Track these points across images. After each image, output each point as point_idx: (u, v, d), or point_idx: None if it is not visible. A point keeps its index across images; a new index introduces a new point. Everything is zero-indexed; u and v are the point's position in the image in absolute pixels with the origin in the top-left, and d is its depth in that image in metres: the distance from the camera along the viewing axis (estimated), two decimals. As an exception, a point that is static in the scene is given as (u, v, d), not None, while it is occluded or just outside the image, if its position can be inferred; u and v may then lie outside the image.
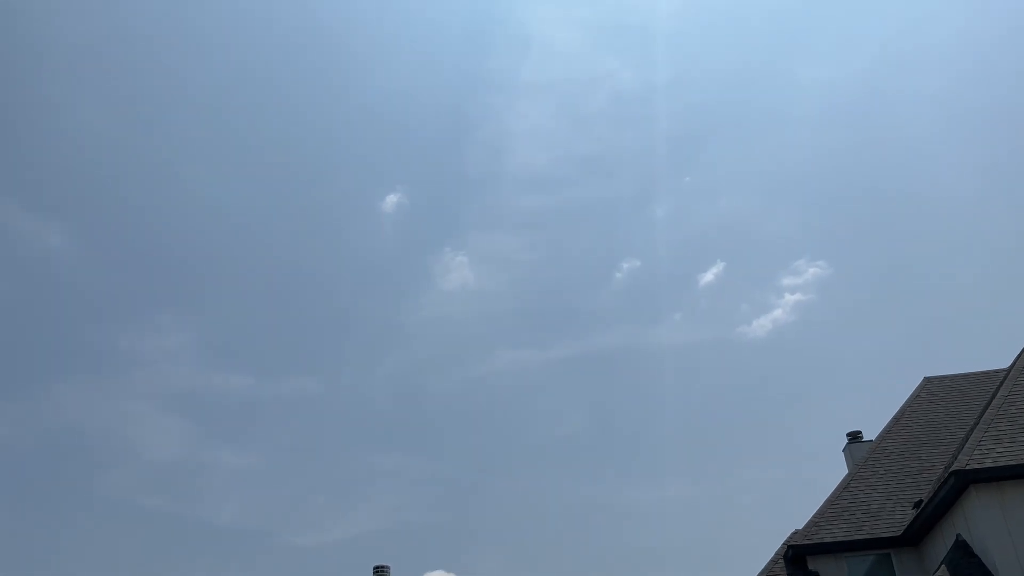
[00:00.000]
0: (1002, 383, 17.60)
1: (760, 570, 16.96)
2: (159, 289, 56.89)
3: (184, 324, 57.02)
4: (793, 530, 17.33)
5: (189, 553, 50.73)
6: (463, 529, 52.05)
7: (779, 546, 17.28)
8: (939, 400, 21.18)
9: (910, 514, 16.63)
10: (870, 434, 21.60)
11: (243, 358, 56.80)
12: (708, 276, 57.68)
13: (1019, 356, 18.21)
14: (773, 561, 16.99)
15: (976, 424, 16.45)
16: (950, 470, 14.56)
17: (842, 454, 22.59)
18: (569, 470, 54.29)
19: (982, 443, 14.73)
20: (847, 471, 19.84)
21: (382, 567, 23.47)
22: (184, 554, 50.66)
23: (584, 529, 50.12)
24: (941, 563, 14.39)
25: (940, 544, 15.57)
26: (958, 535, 14.76)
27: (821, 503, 17.79)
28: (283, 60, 61.60)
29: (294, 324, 58.60)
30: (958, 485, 14.41)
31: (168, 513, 51.04)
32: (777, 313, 55.48)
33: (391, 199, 60.53)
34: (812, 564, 16.60)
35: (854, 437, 22.42)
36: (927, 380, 22.28)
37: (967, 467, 14.16)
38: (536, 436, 55.76)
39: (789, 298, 56.06)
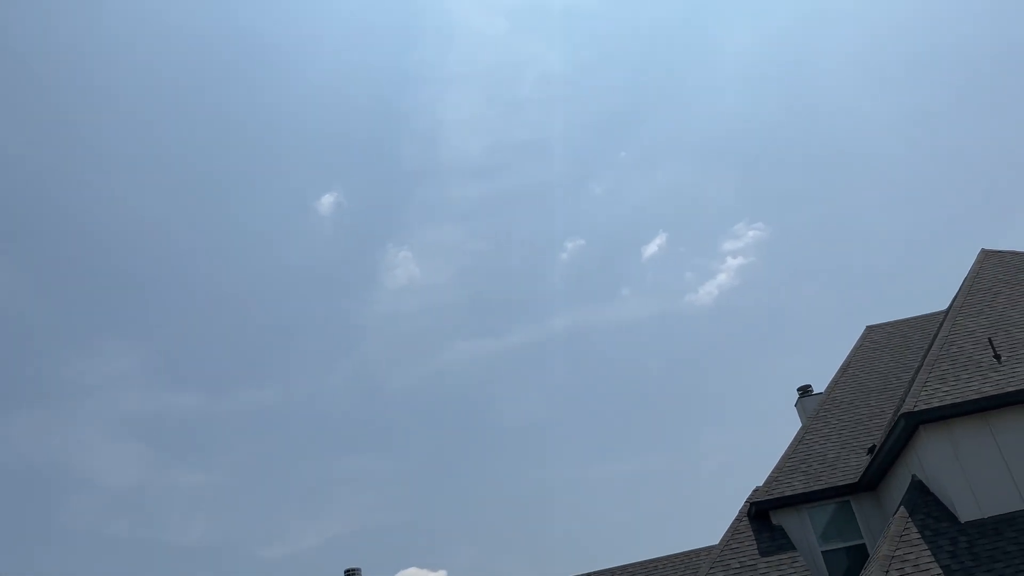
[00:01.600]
0: (941, 325, 18.07)
1: (726, 530, 17.19)
2: (98, 315, 55.56)
3: (128, 348, 55.78)
4: (754, 487, 17.59)
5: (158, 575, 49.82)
6: (433, 524, 51.95)
7: (742, 504, 17.54)
8: (883, 347, 21.65)
9: (865, 460, 16.99)
10: (820, 387, 22.03)
11: (193, 376, 55.82)
12: (651, 248, 58.25)
13: (955, 297, 18.69)
14: (737, 519, 17.23)
15: (920, 367, 16.85)
16: (899, 413, 14.91)
17: (795, 409, 23.01)
18: (534, 455, 54.52)
19: (928, 384, 15.09)
20: (801, 425, 20.20)
21: (353, 570, 23.30)
22: (150, 578, 49.70)
23: (554, 511, 50.39)
24: (899, 505, 14.73)
25: (896, 487, 15.94)
26: (913, 476, 15.13)
27: (779, 459, 18.08)
28: (204, 67, 60.38)
29: (242, 336, 57.73)
30: (908, 427, 14.75)
31: (132, 538, 50.04)
32: (722, 278, 56.28)
33: (327, 199, 59.85)
34: (775, 518, 16.89)
35: (805, 391, 22.83)
36: (869, 329, 22.76)
37: (915, 408, 14.50)
38: (498, 424, 55.85)
39: (732, 262, 56.89)
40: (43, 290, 55.44)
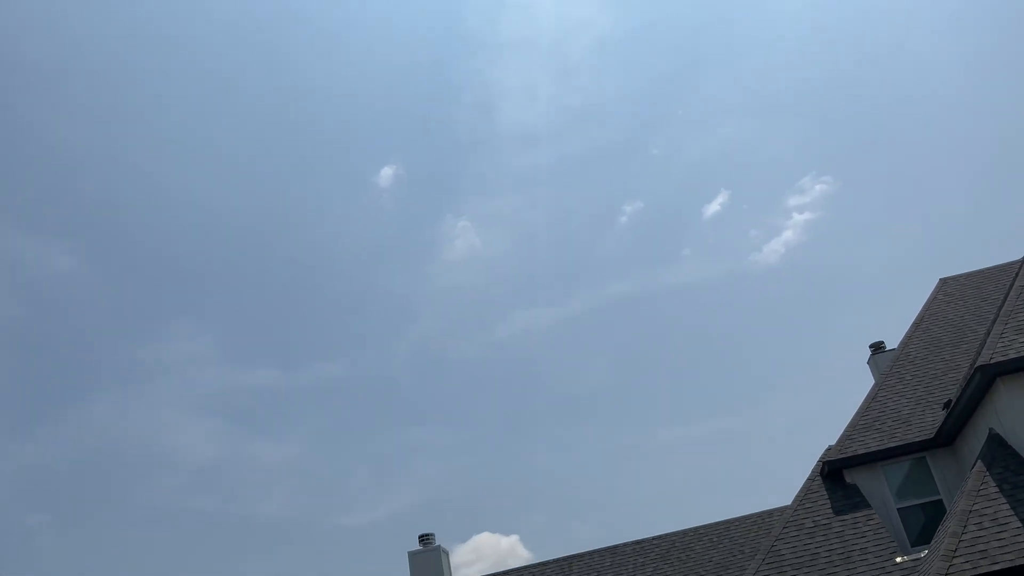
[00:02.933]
0: (1017, 274, 17.50)
1: (798, 490, 17.04)
2: (171, 297, 57.16)
3: (202, 327, 57.34)
4: (827, 447, 17.39)
5: (240, 547, 51.51)
6: (504, 492, 52.54)
7: (815, 464, 17.35)
8: (957, 300, 21.10)
9: (940, 415, 16.65)
10: (893, 343, 21.59)
11: (265, 352, 57.16)
12: (713, 207, 57.41)
13: (1032, 245, 18.07)
14: (810, 479, 17.06)
15: (996, 318, 16.39)
16: (975, 366, 14.55)
17: (867, 367, 22.61)
18: (600, 420, 54.62)
19: (1004, 335, 14.69)
20: (874, 382, 19.85)
21: (427, 535, 23.73)
22: (235, 549, 51.43)
23: (621, 475, 50.51)
24: (977, 459, 14.43)
25: (974, 441, 15.60)
26: (991, 429, 14.78)
27: (852, 417, 17.83)
28: (256, 51, 61.17)
29: (310, 312, 58.84)
30: (985, 380, 14.40)
31: (214, 512, 51.76)
32: (787, 235, 55.27)
33: (386, 172, 60.32)
34: (849, 477, 16.68)
35: (877, 348, 22.41)
36: (943, 281, 22.19)
37: (992, 361, 14.14)
38: (562, 391, 56.03)
39: (798, 218, 55.81)
40: (118, 276, 57.23)
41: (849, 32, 58.05)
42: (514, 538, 44.51)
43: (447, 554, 23.86)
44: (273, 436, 54.98)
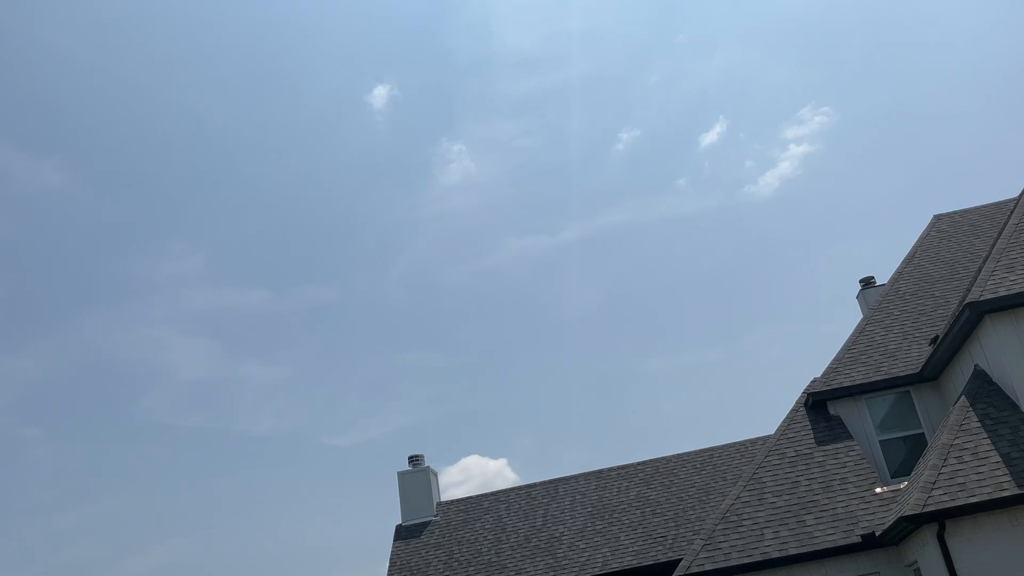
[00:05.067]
0: (1011, 212, 17.47)
1: (782, 420, 17.27)
2: (162, 216, 56.78)
3: (193, 247, 57.13)
4: (812, 379, 17.56)
5: (231, 464, 52.25)
6: (493, 416, 53.18)
7: (799, 395, 17.55)
8: (950, 236, 21.10)
9: (927, 351, 16.80)
10: (884, 278, 21.65)
11: (257, 273, 57.11)
12: (710, 137, 56.91)
13: (1028, 183, 17.99)
14: (794, 410, 17.28)
15: (988, 256, 16.41)
16: (964, 303, 14.61)
17: (856, 301, 22.70)
18: (589, 348, 55.03)
19: (995, 273, 14.72)
20: (862, 316, 19.96)
21: (416, 456, 24.08)
22: (226, 465, 52.18)
23: (610, 402, 51.14)
24: (961, 394, 14.61)
25: (959, 376, 15.78)
26: (976, 365, 14.93)
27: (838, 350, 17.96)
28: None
29: (302, 234, 58.61)
30: (973, 317, 14.48)
31: (206, 429, 52.36)
32: (784, 167, 54.94)
33: (380, 92, 59.42)
34: (833, 409, 16.90)
35: (867, 283, 22.47)
36: (937, 218, 22.16)
37: (981, 298, 14.19)
38: (552, 319, 56.27)
39: (795, 150, 55.38)
40: (109, 193, 56.74)
41: (856, -40, 56.80)
42: (502, 461, 45.28)
43: (436, 475, 24.25)
44: (264, 357, 55.31)
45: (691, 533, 19.74)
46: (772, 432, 17.72)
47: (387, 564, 21.50)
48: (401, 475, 23.65)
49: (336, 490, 51.08)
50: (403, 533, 22.60)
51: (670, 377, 53.74)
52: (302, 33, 60.47)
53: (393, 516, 23.70)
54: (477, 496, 23.71)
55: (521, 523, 21.91)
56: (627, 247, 57.00)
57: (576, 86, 60.07)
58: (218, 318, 55.38)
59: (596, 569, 19.58)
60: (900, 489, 14.68)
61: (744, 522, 14.94)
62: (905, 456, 16.20)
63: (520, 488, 23.58)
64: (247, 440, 53.17)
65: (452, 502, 23.67)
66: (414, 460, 24.01)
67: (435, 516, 23.04)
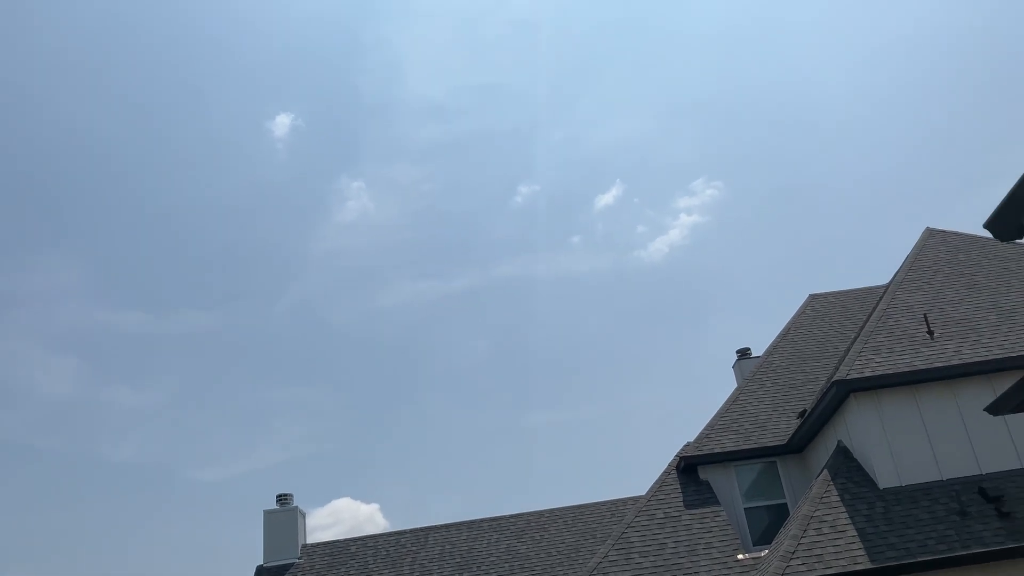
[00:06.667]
0: (881, 298, 18.46)
1: (654, 481, 17.57)
2: (35, 226, 54.17)
3: (67, 262, 54.60)
4: (686, 443, 17.97)
5: (89, 491, 49.55)
6: (368, 460, 52.27)
7: (672, 459, 17.92)
8: (823, 316, 22.10)
9: (795, 424, 17.44)
10: (759, 350, 22.46)
11: (135, 294, 54.93)
12: (607, 198, 58.29)
13: (897, 272, 19.09)
14: (666, 472, 17.62)
15: (856, 337, 17.25)
16: (832, 380, 15.28)
17: (732, 371, 23.45)
18: (472, 398, 54.92)
19: (862, 354, 15.47)
20: (736, 386, 20.61)
21: (285, 495, 23.37)
22: (84, 492, 49.44)
23: (487, 454, 51.02)
24: (823, 468, 15.18)
25: (823, 451, 16.41)
26: (839, 441, 15.58)
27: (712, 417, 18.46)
28: (163, -23, 58.32)
29: (186, 256, 56.80)
30: (839, 394, 15.15)
31: (64, 452, 49.61)
32: (673, 234, 56.66)
33: (283, 120, 58.63)
34: (703, 474, 17.30)
35: (743, 354, 23.27)
36: (812, 297, 23.19)
37: (848, 377, 14.87)
38: (438, 366, 56.02)
39: (685, 219, 57.26)
40: (-17, 193, 53.83)
41: (761, 45, 59.69)
42: (374, 506, 44.41)
43: (304, 516, 23.58)
44: (135, 381, 53.00)
45: (557, 590, 19.70)
46: (644, 493, 17.99)
47: (243, 606, 20.65)
48: (267, 514, 22.88)
49: (198, 526, 48.99)
50: (264, 574, 21.80)
51: (549, 432, 54.08)
52: (206, 49, 59.34)
53: (255, 556, 22.87)
54: (344, 540, 23.13)
55: (388, 570, 21.46)
56: (518, 300, 57.49)
57: (481, 137, 60.77)
58: (88, 336, 52.90)
59: (459, 622, 19.28)
60: (761, 557, 15.07)
61: (610, 581, 15.02)
62: (768, 524, 16.67)
63: (389, 535, 23.14)
64: (107, 466, 50.62)
65: (318, 545, 23.02)
66: (282, 499, 23.30)
67: (299, 559, 22.33)
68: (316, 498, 39.33)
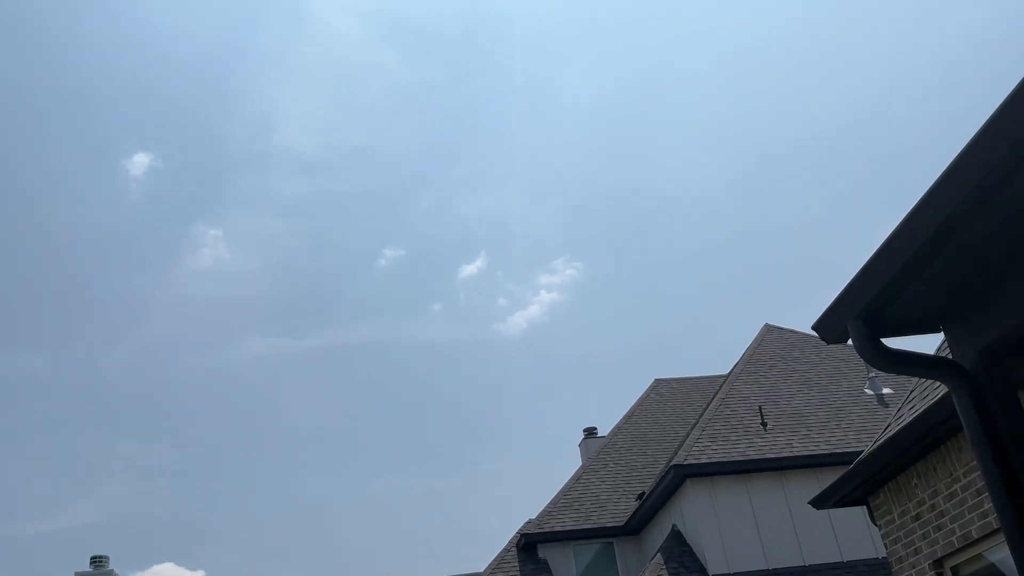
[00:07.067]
0: (720, 387, 19.19)
1: (492, 558, 17.41)
2: None
3: None
4: (527, 520, 17.95)
5: None
6: (199, 522, 49.60)
7: (514, 535, 17.85)
8: (667, 400, 22.75)
9: (633, 505, 17.72)
10: (606, 430, 22.85)
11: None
12: (471, 268, 58.74)
13: (736, 364, 19.93)
14: (506, 549, 17.51)
15: (695, 424, 17.81)
16: (670, 465, 15.66)
17: (578, 448, 23.72)
18: (317, 463, 53.28)
19: (700, 440, 15.96)
20: (581, 464, 20.84)
21: (100, 557, 21.83)
22: None
23: (328, 522, 49.39)
24: (657, 551, 15.44)
25: (658, 534, 16.71)
26: (674, 525, 15.91)
27: (554, 495, 18.55)
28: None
29: (15, 292, 53.27)
30: (676, 479, 15.53)
31: None
32: (533, 310, 57.52)
33: (140, 159, 56.48)
34: (542, 552, 17.27)
35: (590, 433, 23.61)
36: (657, 381, 23.88)
37: (684, 462, 15.28)
38: (285, 428, 54.21)
39: (545, 296, 58.24)
40: None
41: (627, 122, 62.17)
42: (200, 573, 42.00)
43: (119, 579, 22.03)
44: (-56, 422, 48.73)
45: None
46: (483, 569, 17.77)
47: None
48: (79, 576, 21.28)
49: (-1, 585, 44.92)
50: (68, 643, 20.15)
51: (395, 501, 52.96)
52: (62, 76, 56.84)
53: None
54: (163, 608, 21.72)
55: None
56: (374, 364, 56.61)
57: (349, 197, 60.29)
58: None
59: None
60: (592, 639, 15.06)
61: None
62: (601, 606, 16.74)
63: (212, 603, 21.88)
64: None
65: (133, 612, 21.51)
66: (97, 561, 21.74)
67: (110, 626, 20.79)
68: (137, 562, 36.88)
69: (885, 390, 17.36)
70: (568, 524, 17.39)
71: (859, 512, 13.39)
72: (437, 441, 53.95)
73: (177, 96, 58.99)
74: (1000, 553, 7.17)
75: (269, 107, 60.54)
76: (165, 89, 58.17)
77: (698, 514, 15.20)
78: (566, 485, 18.75)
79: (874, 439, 9.16)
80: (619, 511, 17.85)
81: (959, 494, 7.50)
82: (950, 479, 7.63)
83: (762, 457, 15.51)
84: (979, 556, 7.44)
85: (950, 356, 3.87)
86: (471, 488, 52.88)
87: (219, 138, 59.66)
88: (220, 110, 60.62)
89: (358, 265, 59.32)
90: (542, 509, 17.95)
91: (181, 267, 55.48)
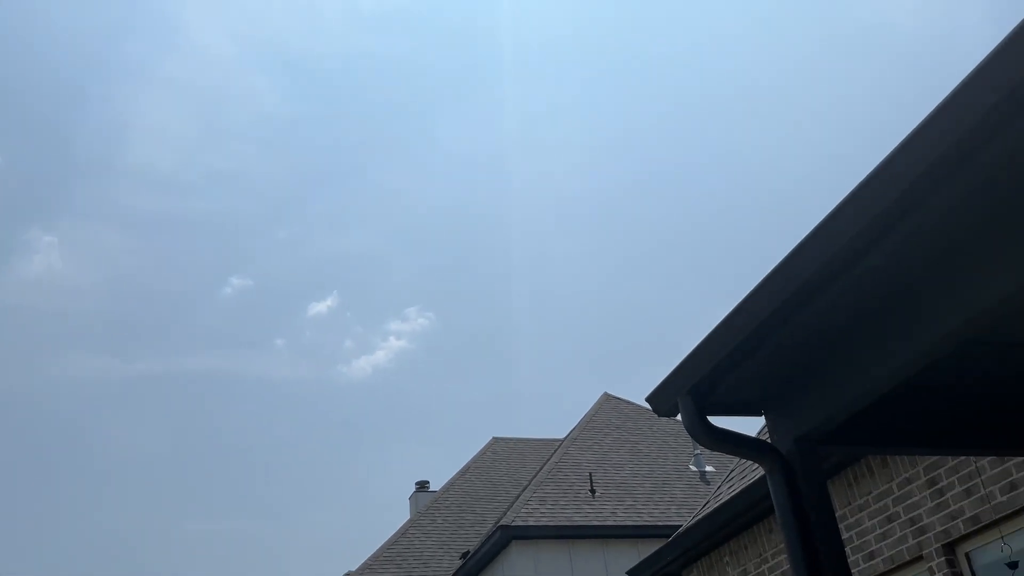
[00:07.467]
0: (555, 451, 19.42)
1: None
2: None
3: None
4: (346, 572, 17.46)
5: None
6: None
7: (330, 586, 17.35)
8: (502, 459, 22.81)
9: (457, 563, 17.53)
10: (438, 484, 22.65)
11: None
12: (320, 307, 57.51)
13: (573, 429, 20.25)
14: (321, 601, 16.97)
15: (527, 485, 17.90)
16: (498, 524, 15.63)
17: (408, 501, 23.39)
18: (131, 498, 50.24)
19: (529, 502, 16.03)
20: (408, 518, 20.53)
21: None
22: None
23: (136, 560, 46.46)
24: (475, 612, 15.28)
25: (478, 594, 16.56)
26: (494, 586, 15.81)
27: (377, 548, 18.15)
28: None
29: None
30: (503, 539, 15.49)
31: None
32: (379, 356, 56.74)
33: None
34: (358, 606, 16.79)
35: (422, 486, 23.35)
36: (495, 440, 23.94)
37: (512, 523, 15.29)
38: (99, 455, 50.98)
39: (394, 343, 57.63)
40: None
41: (491, 179, 62.97)
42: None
43: None
44: None
45: None
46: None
47: None
48: None
49: None
50: None
51: (206, 543, 50.44)
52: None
53: None
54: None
55: None
56: (207, 395, 54.20)
57: (201, 220, 58.13)
58: None
59: None
60: None
61: None
62: (413, 666, 16.36)
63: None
64: None
65: None
66: None
67: None
68: None
69: (708, 467, 18.00)
70: (388, 579, 17.01)
71: (674, 585, 13.69)
72: (262, 482, 52.02)
73: (29, 94, 55.76)
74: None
75: (127, 118, 58.01)
76: (16, 85, 54.92)
77: (521, 574, 15.18)
78: (391, 538, 18.39)
79: (693, 514, 9.45)
80: (442, 569, 17.62)
81: (766, 575, 7.80)
82: (759, 559, 7.93)
83: (587, 524, 15.70)
84: (780, 636, 7.73)
85: (769, 440, 4.04)
86: (292, 535, 51.09)
87: (66, 144, 56.57)
88: (74, 114, 57.62)
89: (201, 291, 57.05)
90: (362, 562, 17.50)
91: (9, 273, 51.84)
